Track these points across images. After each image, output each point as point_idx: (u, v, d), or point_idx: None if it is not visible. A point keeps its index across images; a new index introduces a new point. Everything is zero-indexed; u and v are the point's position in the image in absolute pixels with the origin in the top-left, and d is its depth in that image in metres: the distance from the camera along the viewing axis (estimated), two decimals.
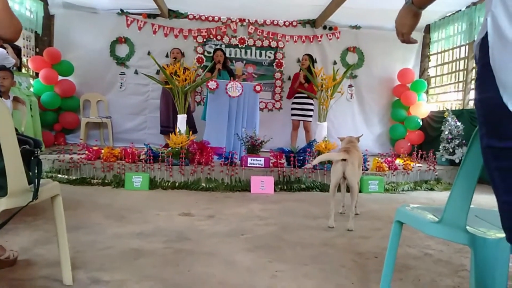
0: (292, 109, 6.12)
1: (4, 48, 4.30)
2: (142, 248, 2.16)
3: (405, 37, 1.19)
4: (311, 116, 5.98)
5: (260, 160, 4.48)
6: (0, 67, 3.61)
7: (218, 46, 6.64)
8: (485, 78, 0.74)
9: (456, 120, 5.49)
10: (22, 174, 1.37)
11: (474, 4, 5.85)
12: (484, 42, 0.74)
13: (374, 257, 2.17)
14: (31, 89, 6.08)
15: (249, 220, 2.91)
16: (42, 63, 6.17)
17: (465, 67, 6.27)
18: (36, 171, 1.42)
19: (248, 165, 4.43)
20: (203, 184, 4.15)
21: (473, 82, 6.14)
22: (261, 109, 6.62)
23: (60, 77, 6.35)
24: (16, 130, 1.43)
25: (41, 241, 2.19)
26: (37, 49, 6.54)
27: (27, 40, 6.33)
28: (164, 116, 5.85)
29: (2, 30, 1.51)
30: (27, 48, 6.34)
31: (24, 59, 6.22)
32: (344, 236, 2.57)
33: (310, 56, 6.05)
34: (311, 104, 5.93)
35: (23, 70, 6.21)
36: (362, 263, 2.07)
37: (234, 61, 7.12)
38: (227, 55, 6.93)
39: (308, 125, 6.02)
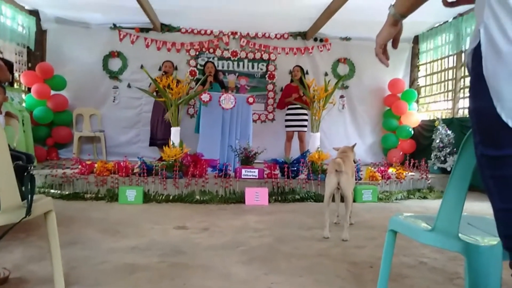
0: (287, 120, 6.15)
1: None
2: (137, 262, 2.14)
3: (376, 48, 1.18)
4: (305, 126, 6.02)
5: (254, 172, 4.48)
6: None
7: (209, 59, 6.70)
8: (479, 87, 0.75)
9: (447, 129, 5.57)
10: (15, 190, 1.37)
11: (460, 15, 5.99)
12: (476, 52, 0.75)
13: (369, 267, 2.17)
14: (23, 104, 6.06)
15: (244, 232, 2.90)
16: (35, 78, 6.15)
17: (454, 76, 6.39)
18: (29, 187, 1.41)
19: (242, 176, 4.43)
20: (198, 197, 4.14)
21: (461, 91, 6.25)
22: (254, 121, 6.64)
23: (52, 92, 6.33)
24: (9, 145, 1.43)
25: (34, 258, 2.16)
26: (29, 64, 6.54)
27: (19, 55, 6.32)
28: (152, 128, 5.97)
29: None
30: (19, 63, 6.33)
31: (16, 74, 6.20)
32: (339, 246, 2.58)
33: (300, 67, 6.14)
34: (306, 114, 5.97)
35: (15, 85, 6.19)
36: (358, 273, 2.07)
37: (227, 74, 7.17)
38: (220, 68, 7.00)
39: (303, 135, 6.07)
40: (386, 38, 1.16)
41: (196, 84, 6.01)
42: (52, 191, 4.17)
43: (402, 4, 1.09)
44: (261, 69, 7.29)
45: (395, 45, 1.22)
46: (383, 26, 1.16)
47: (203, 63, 6.92)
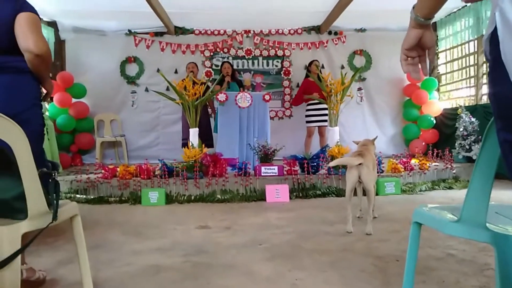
0: (308, 116, 6.08)
1: None
2: (161, 263, 2.18)
3: (401, 55, 1.08)
4: (326, 120, 5.95)
5: (274, 169, 4.47)
6: None
7: (225, 59, 6.72)
8: (498, 72, 0.73)
9: (471, 116, 5.40)
10: (41, 197, 1.40)
11: None
12: (494, 37, 0.74)
13: (395, 260, 2.13)
14: (47, 113, 6.24)
15: (266, 229, 2.90)
16: (56, 87, 6.32)
17: (476, 62, 6.18)
18: (54, 193, 1.45)
19: (262, 174, 4.43)
20: (219, 196, 4.16)
21: (484, 76, 6.04)
22: (271, 118, 6.64)
23: (73, 100, 6.50)
24: None
25: (63, 262, 2.22)
26: (51, 74, 6.72)
27: None
28: (185, 129, 6.00)
29: (28, 44, 1.63)
30: None
31: None
32: (363, 240, 2.54)
33: (317, 62, 6.10)
34: (326, 109, 5.89)
35: None
36: (383, 267, 2.04)
37: (242, 72, 7.18)
38: (235, 67, 6.99)
39: (324, 129, 5.99)
40: (407, 42, 1.06)
41: (212, 84, 6.05)
42: (77, 196, 4.28)
43: (422, 6, 1.00)
44: (276, 65, 7.26)
45: (430, 55, 1.07)
46: (407, 31, 1.06)
47: (218, 63, 6.98)
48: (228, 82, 5.82)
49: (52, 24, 6.60)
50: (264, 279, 1.92)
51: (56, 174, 1.52)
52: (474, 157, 5.20)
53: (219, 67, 6.25)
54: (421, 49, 1.07)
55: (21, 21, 1.64)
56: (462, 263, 2.08)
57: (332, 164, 2.96)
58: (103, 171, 4.54)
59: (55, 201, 1.43)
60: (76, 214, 1.62)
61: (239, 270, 2.05)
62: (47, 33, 6.41)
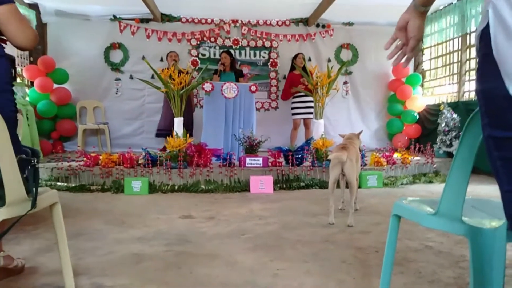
0: (294, 108, 6.11)
1: None
2: (143, 252, 2.17)
3: (393, 35, 1.12)
4: (312, 113, 5.99)
5: (259, 160, 4.49)
6: None
7: (224, 50, 6.62)
8: (487, 68, 0.74)
9: (452, 112, 5.51)
10: (20, 184, 1.37)
11: None
12: (485, 33, 0.74)
13: (375, 252, 2.18)
14: (27, 98, 6.07)
15: (250, 220, 2.92)
16: (37, 72, 6.16)
17: (459, 59, 6.29)
18: (33, 180, 1.42)
19: (247, 165, 4.43)
20: (203, 186, 4.16)
21: (467, 74, 6.16)
22: (257, 109, 6.63)
23: (55, 85, 6.34)
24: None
25: (42, 250, 2.19)
26: (31, 58, 6.53)
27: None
28: (162, 119, 5.97)
29: (13, 38, 1.58)
30: (21, 57, 6.33)
31: (18, 68, 6.21)
32: (345, 232, 2.58)
33: (303, 55, 6.10)
34: (312, 101, 5.92)
35: (18, 80, 6.19)
36: (363, 258, 2.08)
37: None
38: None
39: (309, 122, 6.05)
40: (398, 22, 1.10)
41: (198, 73, 6.00)
42: (58, 183, 4.20)
43: None
44: (263, 57, 7.23)
45: (409, 45, 1.10)
46: None
47: (205, 52, 6.93)
48: (220, 71, 5.80)
49: (34, 7, 6.38)
50: (246, 268, 1.94)
51: (35, 161, 1.49)
52: (454, 152, 5.32)
53: (207, 56, 6.19)
54: (407, 38, 1.09)
55: (3, 18, 1.54)
56: (439, 255, 2.14)
57: (330, 157, 2.96)
58: (85, 159, 4.47)
59: (34, 188, 1.40)
60: (56, 202, 1.60)
61: (222, 259, 2.06)
62: (28, 15, 6.20)
